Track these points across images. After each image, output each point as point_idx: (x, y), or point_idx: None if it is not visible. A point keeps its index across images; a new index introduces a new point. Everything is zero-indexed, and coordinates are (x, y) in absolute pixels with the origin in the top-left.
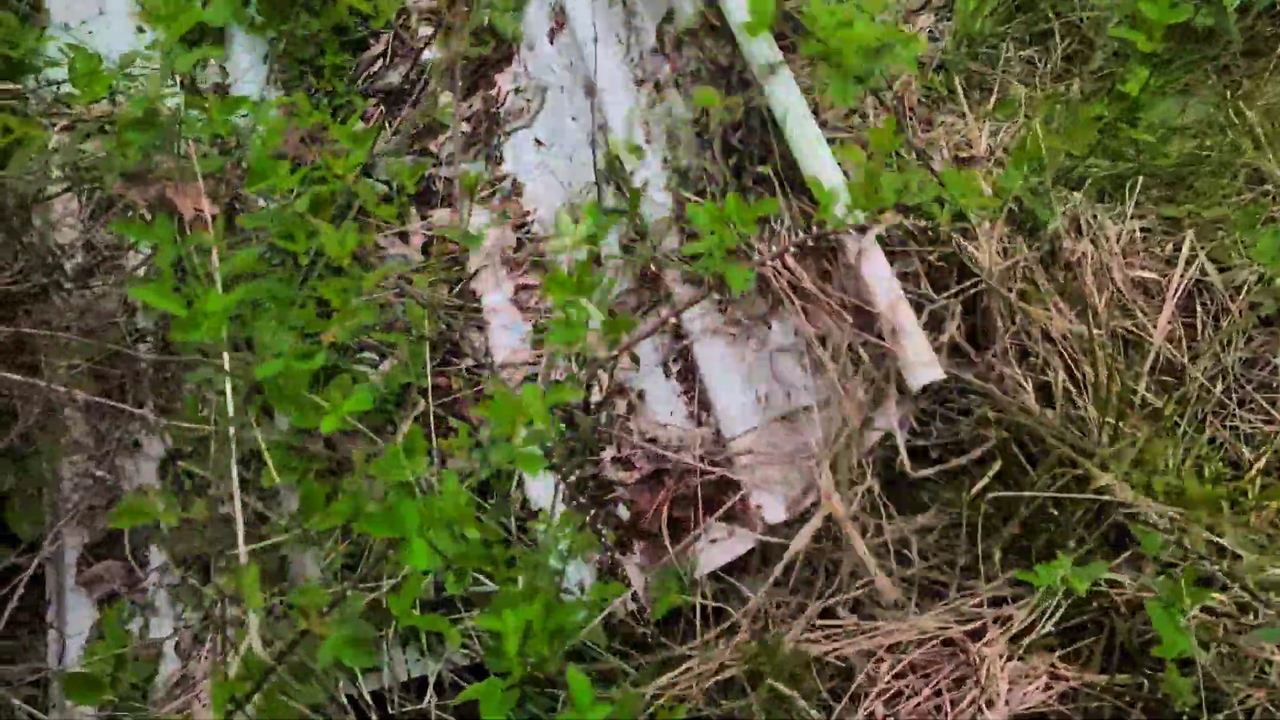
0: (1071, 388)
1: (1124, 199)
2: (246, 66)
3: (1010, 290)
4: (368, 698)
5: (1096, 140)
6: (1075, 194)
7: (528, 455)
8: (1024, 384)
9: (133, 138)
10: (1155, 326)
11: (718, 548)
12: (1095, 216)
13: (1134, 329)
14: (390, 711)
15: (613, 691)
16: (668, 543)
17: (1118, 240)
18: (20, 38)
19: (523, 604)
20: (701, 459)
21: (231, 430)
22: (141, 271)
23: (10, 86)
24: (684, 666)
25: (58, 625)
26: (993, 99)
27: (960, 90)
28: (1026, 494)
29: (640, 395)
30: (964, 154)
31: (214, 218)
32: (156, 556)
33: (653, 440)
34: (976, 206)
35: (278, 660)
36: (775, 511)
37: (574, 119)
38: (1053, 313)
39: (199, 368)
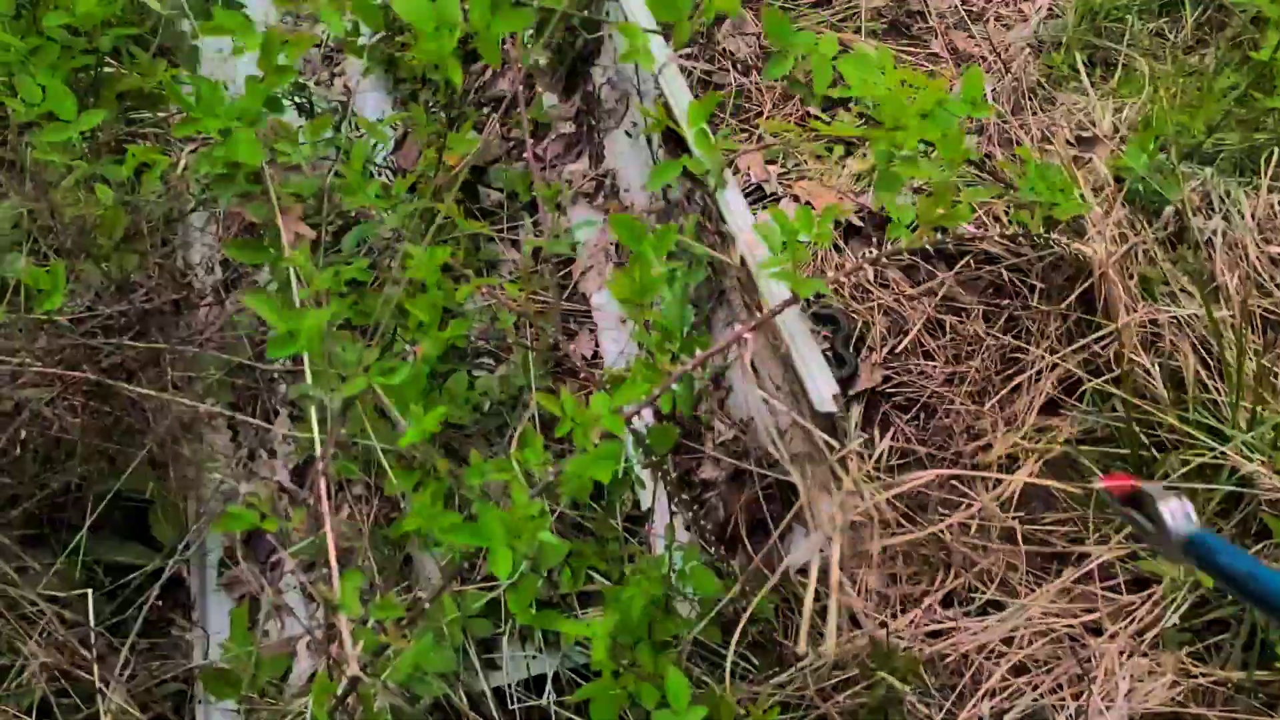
0: (1203, 372)
1: (1260, 172)
2: (367, 87)
3: (1131, 277)
4: (489, 693)
5: (1227, 112)
6: (1205, 169)
7: (600, 463)
8: (1152, 371)
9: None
10: None
11: (800, 548)
12: (1228, 192)
13: (1273, 308)
14: (510, 707)
15: (723, 690)
16: (747, 544)
17: (1253, 215)
18: (151, 70)
19: (628, 608)
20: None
21: (320, 440)
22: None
23: (147, 115)
24: (799, 665)
25: (201, 624)
26: (1116, 76)
27: (1082, 68)
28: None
29: (729, 388)
30: (1087, 134)
31: (302, 237)
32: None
33: (744, 430)
34: (1072, 211)
35: (364, 669)
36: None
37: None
38: (1180, 297)
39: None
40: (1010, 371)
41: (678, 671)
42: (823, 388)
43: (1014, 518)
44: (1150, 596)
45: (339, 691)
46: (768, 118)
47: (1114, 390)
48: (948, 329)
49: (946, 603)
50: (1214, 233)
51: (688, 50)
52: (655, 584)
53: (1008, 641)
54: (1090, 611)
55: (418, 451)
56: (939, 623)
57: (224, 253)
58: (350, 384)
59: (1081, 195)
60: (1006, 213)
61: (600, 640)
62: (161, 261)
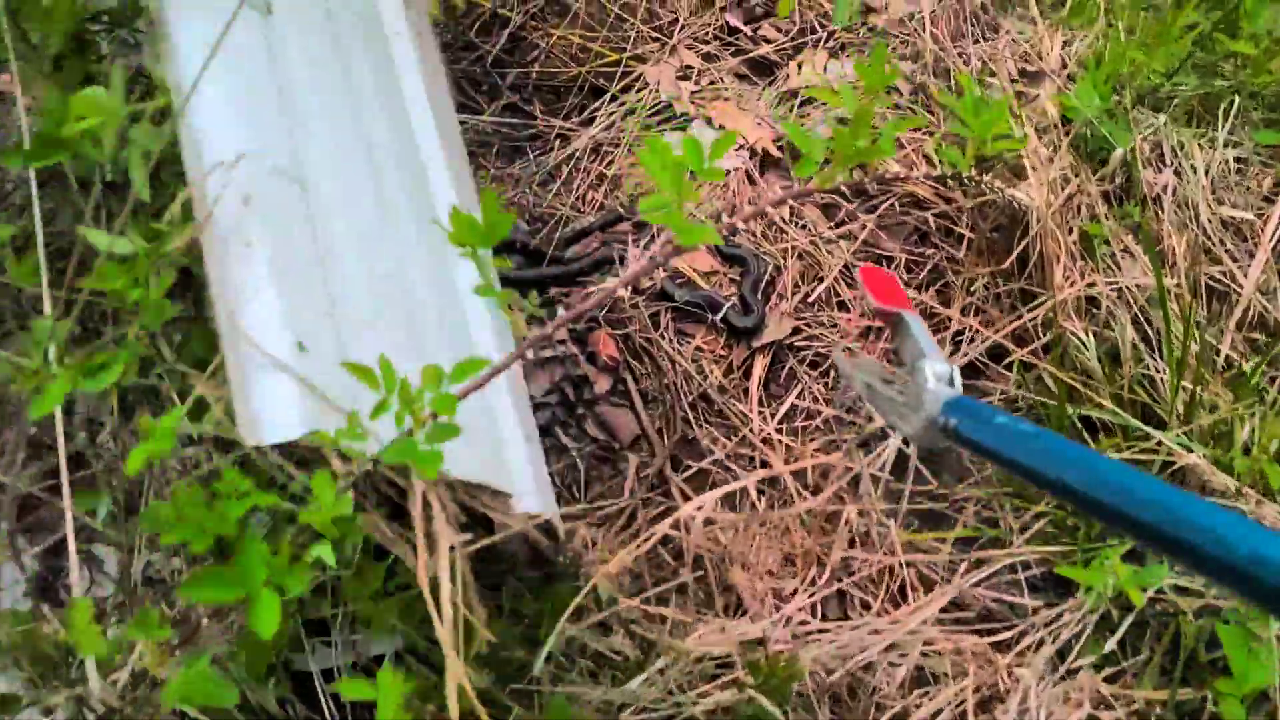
0: (1141, 345)
1: (1217, 123)
2: None
3: (1071, 232)
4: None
5: (1188, 53)
6: (1158, 116)
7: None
8: (1085, 341)
9: None
10: (1246, 275)
11: None
12: (1181, 144)
13: (1221, 277)
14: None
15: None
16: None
17: (1206, 172)
18: None
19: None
20: None
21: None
22: None
23: None
24: (657, 665)
25: None
26: (1068, 3)
27: None
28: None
29: None
30: (1032, 68)
31: None
32: None
33: None
34: (1008, 148)
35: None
36: None
37: None
38: (1121, 259)
39: None
40: (932, 328)
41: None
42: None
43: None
44: (1058, 606)
45: None
46: (683, 25)
47: (1041, 363)
48: None
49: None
50: (1163, 189)
51: None
52: None
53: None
54: (998, 621)
55: None
56: (821, 620)
57: None
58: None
59: (1025, 138)
60: (937, 152)
61: (388, 704)
62: None
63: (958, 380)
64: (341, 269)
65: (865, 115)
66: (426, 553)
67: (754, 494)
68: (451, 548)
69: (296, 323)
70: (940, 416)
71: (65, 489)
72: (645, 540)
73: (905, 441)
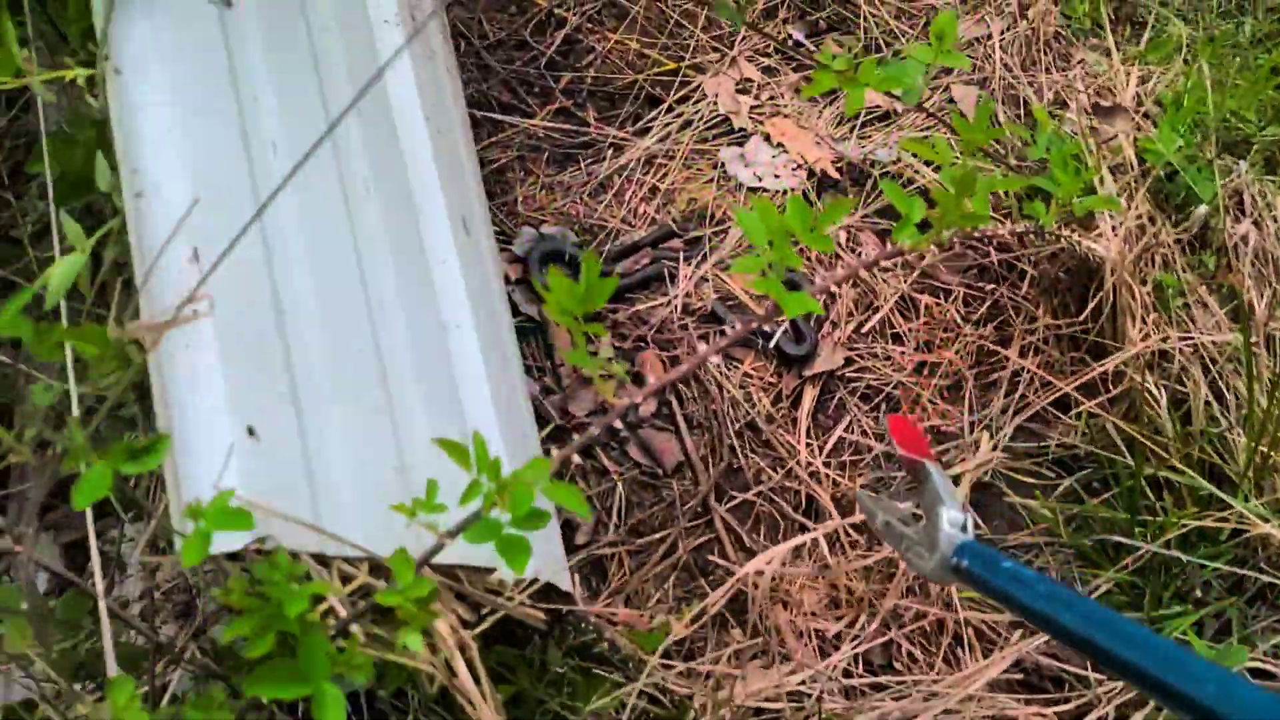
0: (1214, 403)
1: None
2: None
3: (1144, 282)
4: None
5: (1272, 98)
6: (1239, 163)
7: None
8: (1157, 395)
9: None
10: None
11: None
12: (1263, 193)
13: None
14: None
15: None
16: None
17: None
18: None
19: None
20: None
21: None
22: None
23: None
24: None
25: None
26: (1145, 36)
27: (1108, 22)
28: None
29: None
30: (1106, 101)
31: None
32: None
33: None
34: (1099, 208)
35: None
36: None
37: None
38: (1195, 310)
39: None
40: (988, 368)
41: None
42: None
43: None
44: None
45: None
46: (743, 38)
47: (1109, 416)
48: (921, 310)
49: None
50: (1241, 239)
51: None
52: None
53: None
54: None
55: None
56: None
57: None
58: None
59: (1102, 180)
60: (1021, 204)
61: None
62: None
63: (970, 526)
64: (305, 335)
65: (968, 181)
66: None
67: (825, 547)
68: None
69: (247, 406)
70: (953, 558)
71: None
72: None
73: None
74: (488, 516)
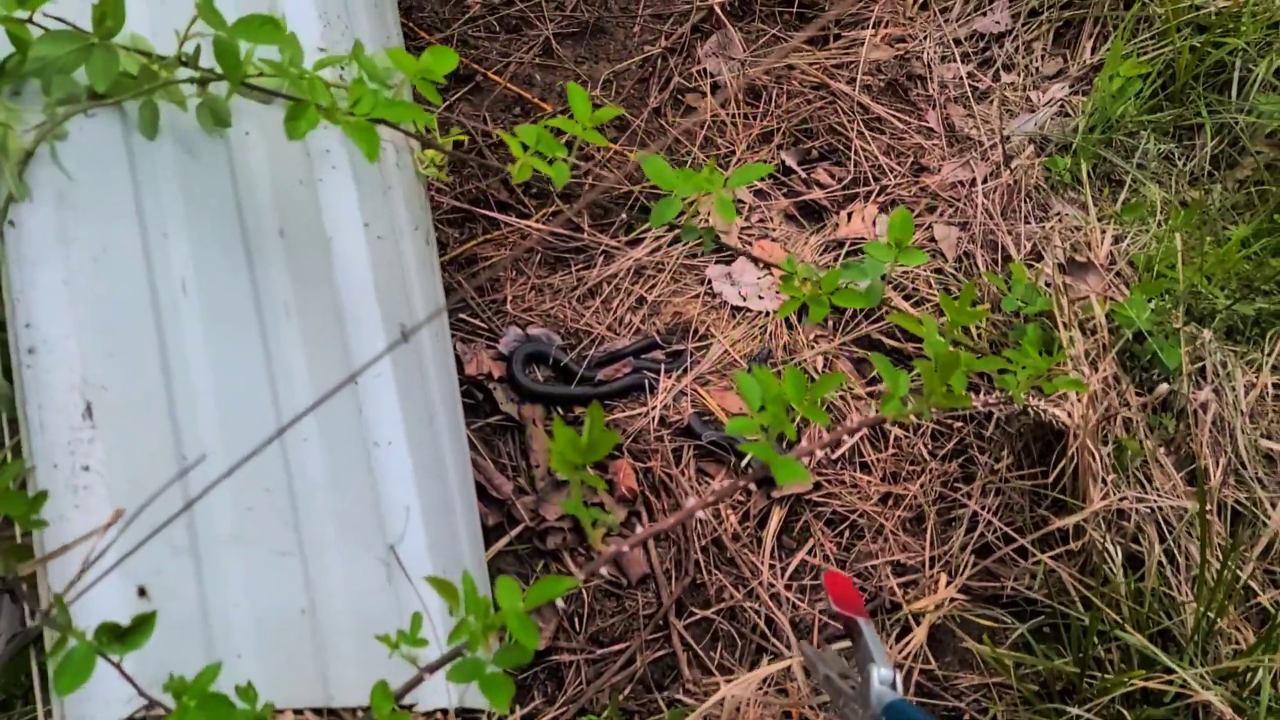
0: (1166, 564)
1: (1262, 345)
2: None
3: (1105, 442)
4: None
5: (1246, 282)
6: (1204, 331)
7: None
8: (1113, 552)
9: None
10: (1275, 507)
11: None
12: (1224, 362)
13: (1247, 503)
14: None
15: None
16: None
17: (1245, 394)
18: None
19: None
20: None
21: None
22: None
23: None
24: None
25: None
26: (1121, 196)
27: (1087, 179)
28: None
29: None
30: (1080, 257)
31: None
32: None
33: None
34: (1066, 389)
35: None
36: None
37: None
38: (1153, 471)
39: None
40: (950, 504)
41: None
42: None
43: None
44: None
45: None
46: (739, 161)
47: (1065, 570)
48: (890, 441)
49: None
50: (1201, 406)
51: (663, 57)
52: None
53: None
54: None
55: None
56: None
57: None
58: None
59: (1072, 340)
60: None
61: None
62: None
63: (899, 684)
64: (207, 480)
65: (951, 364)
66: None
67: (801, 678)
68: None
69: (140, 565)
70: (881, 716)
71: None
72: None
73: None
74: (474, 655)
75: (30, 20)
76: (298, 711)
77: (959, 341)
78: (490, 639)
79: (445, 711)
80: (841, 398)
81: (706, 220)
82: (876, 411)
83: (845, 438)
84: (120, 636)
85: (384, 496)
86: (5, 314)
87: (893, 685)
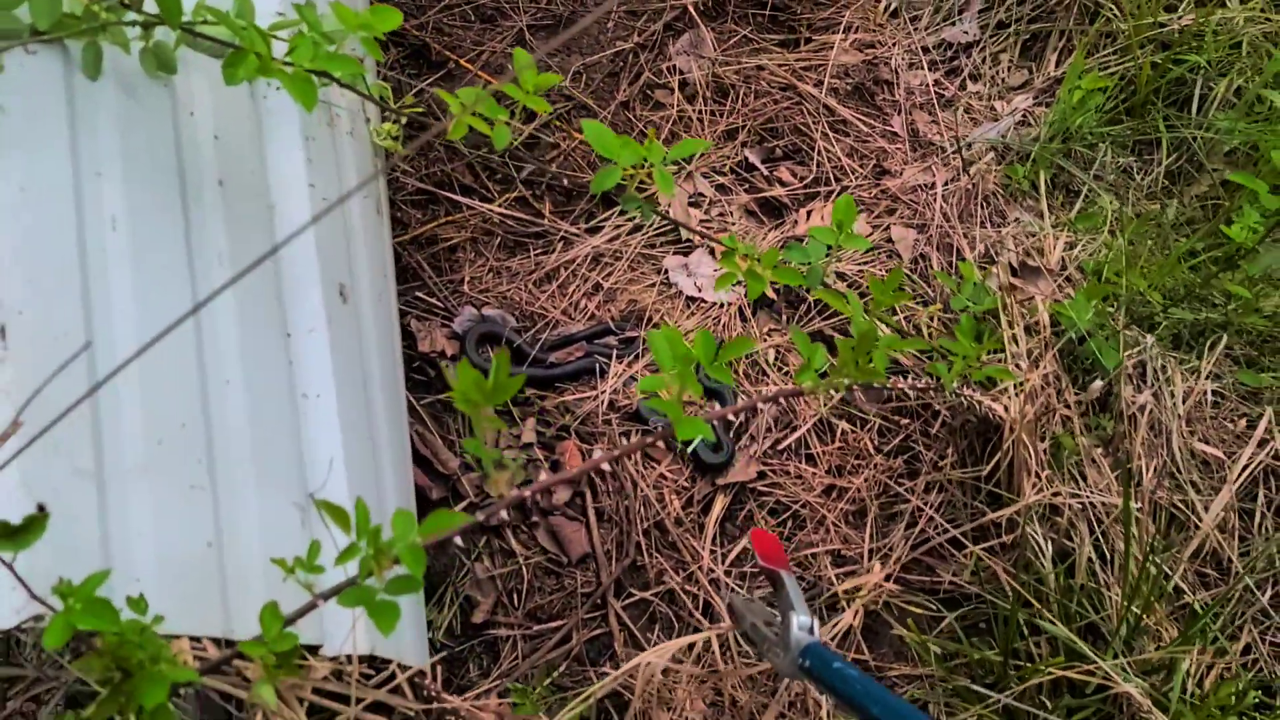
0: (1095, 560)
1: (1201, 353)
2: None
3: (1043, 438)
4: None
5: (1187, 289)
6: (1147, 336)
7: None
8: (1044, 547)
9: None
10: (1207, 510)
11: None
12: (1164, 367)
13: (1181, 506)
14: None
15: None
16: None
17: (1184, 400)
18: None
19: None
20: None
21: None
22: None
23: None
24: None
25: None
26: (1077, 205)
27: (1044, 188)
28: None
29: None
30: (1032, 262)
31: None
32: None
33: None
34: (996, 377)
35: None
36: None
37: None
38: (1087, 469)
39: None
40: (893, 498)
41: None
42: None
43: None
44: None
45: None
46: (703, 154)
47: (998, 563)
48: (837, 435)
49: None
50: (1140, 409)
51: (635, 53)
52: None
53: None
54: None
55: None
56: None
57: None
58: None
59: (1015, 339)
60: (926, 362)
61: None
62: None
63: (816, 630)
64: (121, 411)
65: (869, 336)
66: None
67: (717, 649)
68: None
69: (37, 482)
70: (800, 658)
71: None
72: (587, 698)
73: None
74: (363, 582)
75: None
76: (196, 640)
77: (900, 330)
78: (384, 567)
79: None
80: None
81: (667, 211)
82: (794, 384)
83: (760, 406)
84: (11, 534)
85: (308, 446)
86: None
87: (810, 630)
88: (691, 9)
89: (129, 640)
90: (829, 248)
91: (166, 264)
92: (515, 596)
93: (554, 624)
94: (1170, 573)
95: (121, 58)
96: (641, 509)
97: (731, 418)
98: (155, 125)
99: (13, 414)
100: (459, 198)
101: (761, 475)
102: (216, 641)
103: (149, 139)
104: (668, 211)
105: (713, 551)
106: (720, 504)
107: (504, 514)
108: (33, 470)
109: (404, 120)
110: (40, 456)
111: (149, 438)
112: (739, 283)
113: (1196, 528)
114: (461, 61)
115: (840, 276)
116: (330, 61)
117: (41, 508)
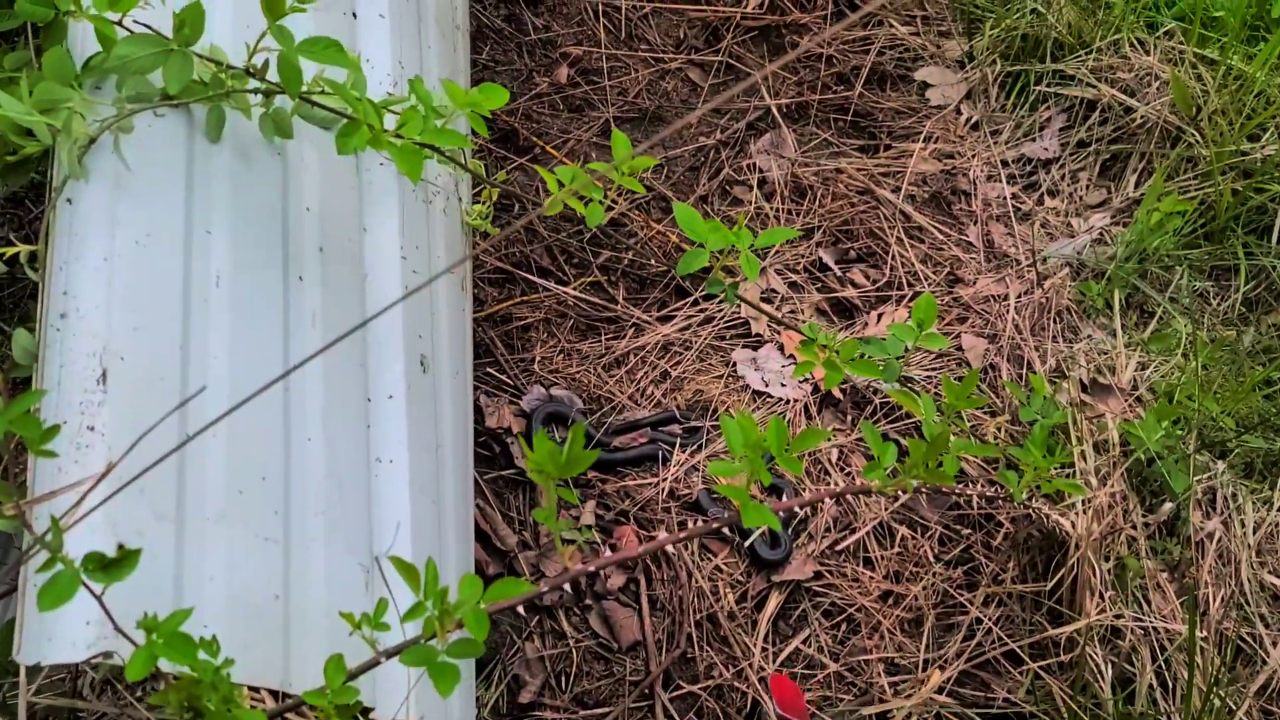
0: (1157, 687)
1: (1274, 484)
2: None
3: (1108, 559)
4: None
5: (1261, 418)
6: (1219, 463)
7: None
8: (1104, 670)
9: None
10: (1276, 645)
11: None
12: (1235, 495)
13: (1249, 638)
14: None
15: None
16: None
17: (1255, 530)
18: None
19: None
20: None
21: None
22: None
23: None
24: None
25: None
26: (1151, 326)
27: (1118, 307)
28: None
29: None
30: (1103, 379)
31: None
32: None
33: None
34: (1065, 490)
35: None
36: None
37: None
38: (1152, 594)
39: None
40: (951, 608)
41: None
42: None
43: None
44: None
45: None
46: (777, 250)
47: (1055, 681)
48: (897, 540)
49: None
50: (1208, 536)
51: (716, 149)
52: None
53: None
54: None
55: None
56: None
57: None
58: None
59: (1084, 455)
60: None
61: None
62: None
63: None
64: (207, 461)
65: (943, 438)
66: None
67: None
68: None
69: (121, 523)
70: None
71: None
72: None
73: None
74: (425, 642)
75: (119, 23)
76: (254, 690)
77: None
78: (447, 629)
79: None
80: (854, 495)
81: (738, 308)
82: (861, 482)
83: (827, 500)
84: (105, 566)
85: (377, 508)
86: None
87: None
88: (775, 110)
89: (204, 681)
90: (905, 347)
91: (263, 321)
92: (564, 679)
93: (600, 710)
94: (1234, 707)
95: (238, 126)
96: (695, 600)
97: (794, 512)
98: (265, 190)
99: (106, 454)
100: (536, 279)
101: (818, 575)
102: (274, 694)
103: (258, 202)
104: (753, 324)
105: (764, 649)
106: (775, 601)
107: (558, 593)
108: (117, 512)
109: (494, 198)
110: (125, 498)
111: (230, 487)
112: (808, 377)
113: (1264, 662)
114: (548, 148)
115: (907, 380)
116: (439, 135)
117: (122, 547)
